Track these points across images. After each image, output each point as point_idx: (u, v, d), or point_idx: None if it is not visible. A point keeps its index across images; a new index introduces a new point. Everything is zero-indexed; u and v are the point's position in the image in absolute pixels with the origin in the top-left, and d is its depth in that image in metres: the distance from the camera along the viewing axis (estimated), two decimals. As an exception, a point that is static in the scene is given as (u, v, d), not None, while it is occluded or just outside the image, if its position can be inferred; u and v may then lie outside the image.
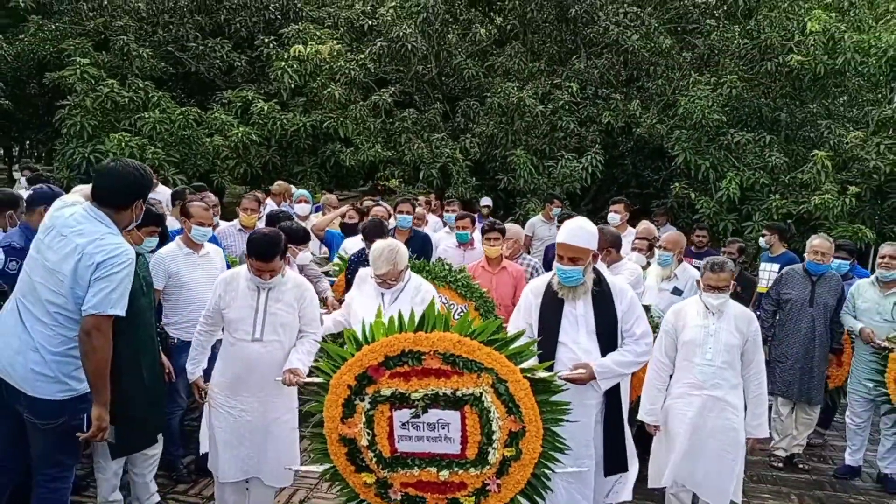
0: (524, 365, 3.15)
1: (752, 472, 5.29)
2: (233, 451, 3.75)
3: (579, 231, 3.58)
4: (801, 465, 5.55)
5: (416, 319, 3.17)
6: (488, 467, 3.13)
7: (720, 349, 3.96)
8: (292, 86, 10.88)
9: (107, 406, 3.07)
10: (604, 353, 3.50)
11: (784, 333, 5.47)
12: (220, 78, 12.39)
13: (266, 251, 3.56)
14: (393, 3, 11.13)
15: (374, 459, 3.19)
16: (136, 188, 3.21)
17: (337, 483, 3.36)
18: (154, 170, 9.03)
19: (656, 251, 5.42)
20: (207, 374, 3.90)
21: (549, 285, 3.67)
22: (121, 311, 3.05)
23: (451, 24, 11.69)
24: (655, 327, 4.63)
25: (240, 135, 10.30)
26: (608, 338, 3.54)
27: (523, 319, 3.71)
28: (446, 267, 5.09)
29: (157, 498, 4.08)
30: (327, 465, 3.33)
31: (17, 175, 6.72)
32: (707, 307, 4.05)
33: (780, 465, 5.51)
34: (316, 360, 3.66)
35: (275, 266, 3.61)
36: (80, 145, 9.66)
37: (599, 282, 3.60)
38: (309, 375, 3.56)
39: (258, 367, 3.68)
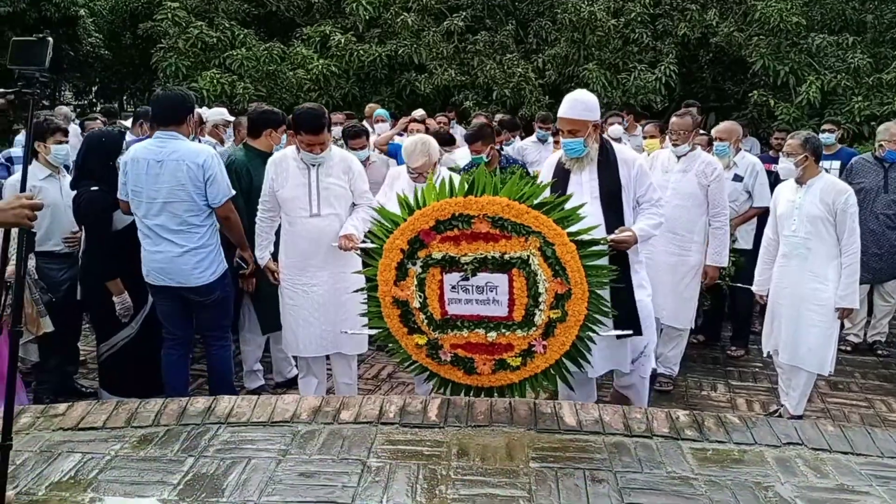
0: (571, 228, 3.20)
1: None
2: (309, 327, 4.01)
3: (575, 104, 3.59)
4: (879, 352, 5.66)
5: (467, 184, 3.24)
6: (534, 329, 3.23)
7: (803, 220, 4.08)
8: (367, 17, 11.21)
9: (252, 254, 4.18)
10: (607, 218, 3.52)
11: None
12: (300, 15, 12.80)
13: (315, 124, 3.77)
14: (462, -72, 11.18)
15: (426, 321, 3.33)
16: (186, 105, 3.97)
17: (391, 345, 3.53)
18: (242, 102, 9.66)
19: (714, 143, 5.49)
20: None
21: (559, 160, 3.75)
22: (231, 191, 3.96)
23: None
24: None
25: (320, 67, 10.77)
26: (610, 202, 3.57)
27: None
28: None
29: (295, 371, 4.62)
30: (382, 328, 3.48)
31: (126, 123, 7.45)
32: (795, 181, 4.18)
33: (849, 348, 5.66)
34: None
35: (324, 138, 3.82)
36: (176, 85, 10.33)
37: (606, 152, 3.63)
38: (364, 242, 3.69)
39: (321, 240, 3.90)
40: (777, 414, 4.27)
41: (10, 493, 2.41)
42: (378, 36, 11.48)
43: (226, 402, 3.24)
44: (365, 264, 3.59)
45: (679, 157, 4.75)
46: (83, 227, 4.27)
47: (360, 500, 2.51)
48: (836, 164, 6.03)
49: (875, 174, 5.47)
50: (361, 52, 11.04)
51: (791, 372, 4.21)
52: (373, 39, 11.41)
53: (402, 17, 10.89)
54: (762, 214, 5.23)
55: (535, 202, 3.16)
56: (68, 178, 4.39)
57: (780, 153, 4.44)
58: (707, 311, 5.68)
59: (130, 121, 6.49)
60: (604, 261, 3.33)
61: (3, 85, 2.48)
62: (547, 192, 3.32)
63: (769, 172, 5.63)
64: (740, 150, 5.55)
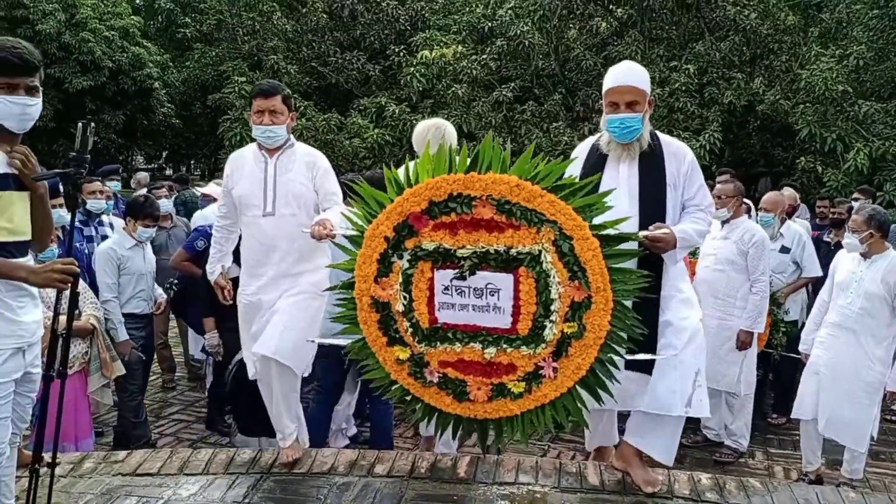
0: (596, 220, 2.57)
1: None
2: (257, 336, 3.37)
3: (633, 71, 3.03)
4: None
5: (469, 157, 2.62)
6: (543, 346, 2.62)
7: (860, 294, 4.10)
8: (420, 89, 11.76)
9: None
10: (643, 223, 2.87)
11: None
12: (357, 87, 13.51)
13: (266, 86, 3.41)
14: (511, 4, 11.72)
15: (410, 330, 2.75)
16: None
17: (365, 359, 2.93)
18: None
19: (759, 213, 5.62)
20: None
21: (594, 146, 3.10)
22: None
23: (568, 19, 12.13)
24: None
25: (375, 136, 11.31)
26: (652, 204, 2.93)
27: None
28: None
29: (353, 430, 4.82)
30: (355, 337, 2.87)
31: (198, 189, 8.15)
32: (861, 254, 4.20)
33: (895, 418, 5.60)
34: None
35: (276, 105, 3.33)
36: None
37: (652, 140, 3.01)
38: None
39: (275, 244, 3.37)
40: (806, 478, 4.28)
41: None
42: (431, 106, 12.01)
43: (269, 454, 3.48)
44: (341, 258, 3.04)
45: (722, 224, 4.86)
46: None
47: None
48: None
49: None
50: (414, 121, 11.54)
51: (816, 439, 4.24)
52: (425, 110, 11.93)
53: (454, 88, 11.40)
54: (813, 284, 5.28)
55: (553, 184, 2.56)
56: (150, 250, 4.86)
57: (846, 227, 4.44)
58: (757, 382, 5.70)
59: (207, 187, 7.02)
60: (633, 264, 2.71)
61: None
62: (573, 173, 2.76)
63: (816, 240, 5.67)
64: (785, 220, 5.64)
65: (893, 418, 5.60)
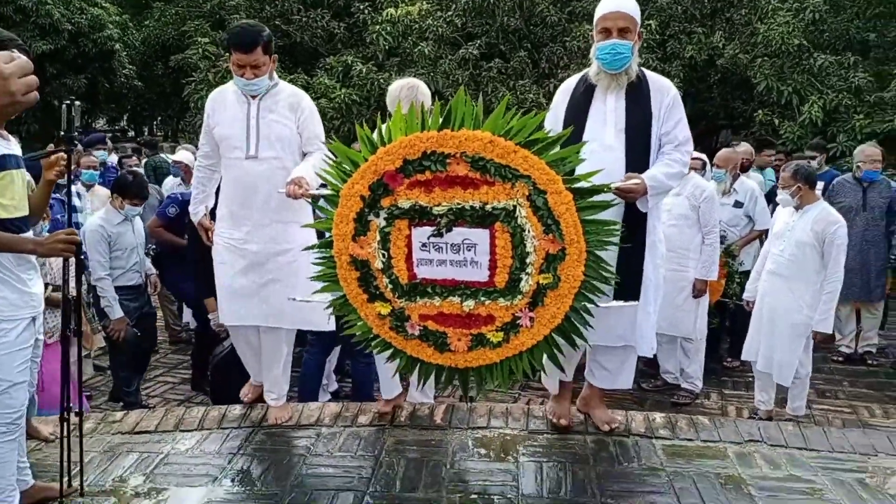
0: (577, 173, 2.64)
1: (812, 364, 5.82)
2: (238, 290, 3.40)
3: None
4: (869, 361, 6.00)
5: (442, 115, 2.62)
6: (520, 297, 2.70)
7: (792, 243, 4.46)
8: (387, 47, 11.78)
9: None
10: (629, 155, 3.02)
11: (840, 240, 5.90)
12: (322, 46, 13.44)
13: (246, 39, 3.19)
14: (476, -40, 11.73)
15: (390, 287, 2.80)
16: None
17: (347, 316, 2.98)
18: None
19: (712, 169, 5.90)
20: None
21: (582, 78, 3.18)
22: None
23: (533, -27, 12.17)
24: (722, 240, 5.26)
25: (342, 96, 11.34)
26: (637, 136, 3.03)
27: (548, 121, 3.20)
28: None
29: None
30: (336, 294, 2.94)
31: (168, 156, 8.26)
32: (794, 207, 4.54)
33: (840, 359, 6.03)
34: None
35: (258, 59, 3.20)
36: (206, 115, 10.97)
37: (638, 74, 3.09)
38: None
39: (258, 187, 3.30)
40: (756, 416, 4.65)
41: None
42: (397, 65, 12.04)
43: (258, 409, 3.72)
44: (317, 216, 3.09)
45: None
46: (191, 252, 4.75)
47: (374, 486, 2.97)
48: (821, 184, 6.39)
49: (854, 194, 5.86)
50: (382, 80, 11.59)
51: (765, 378, 4.60)
52: (392, 68, 11.96)
53: (420, 46, 11.44)
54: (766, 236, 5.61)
55: (525, 138, 2.59)
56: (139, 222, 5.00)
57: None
58: (713, 329, 6.05)
59: (178, 153, 7.10)
60: (611, 214, 2.80)
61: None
62: (558, 110, 2.96)
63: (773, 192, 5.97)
64: (738, 176, 5.93)
65: (838, 358, 6.02)
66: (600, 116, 3.06)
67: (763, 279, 4.67)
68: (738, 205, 5.79)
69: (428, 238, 2.72)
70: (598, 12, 3.08)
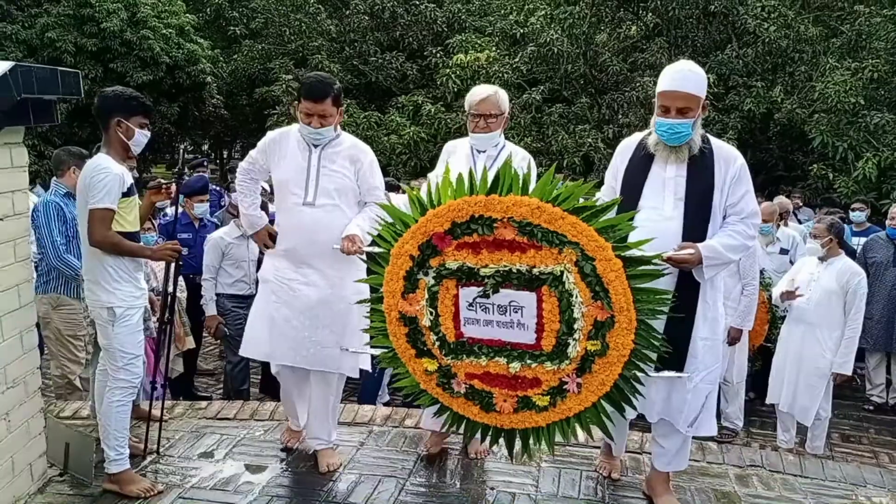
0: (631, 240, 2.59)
1: (842, 411, 6.08)
2: (289, 331, 3.40)
3: (689, 74, 2.90)
4: (898, 411, 6.24)
5: (490, 179, 2.65)
6: (567, 362, 2.67)
7: (818, 292, 4.86)
8: (455, 90, 12.49)
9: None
10: (687, 224, 2.90)
11: (871, 293, 6.14)
12: (396, 86, 14.32)
13: (317, 89, 3.28)
14: (542, 13, 12.39)
15: (437, 343, 2.84)
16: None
17: (396, 370, 3.06)
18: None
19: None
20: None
21: (641, 144, 3.05)
22: None
23: (597, 26, 12.74)
24: (767, 287, 5.59)
25: (411, 134, 12.12)
26: (696, 206, 2.90)
27: (608, 185, 3.20)
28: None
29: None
30: (386, 348, 3.02)
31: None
32: (818, 258, 4.94)
33: (871, 407, 6.26)
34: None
35: (326, 110, 3.28)
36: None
37: (702, 143, 2.95)
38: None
39: (316, 234, 3.33)
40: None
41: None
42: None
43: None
44: (370, 271, 3.14)
45: None
46: None
47: (414, 476, 3.49)
48: (864, 240, 6.68)
49: (885, 250, 6.15)
50: (449, 120, 12.31)
51: (787, 419, 4.94)
52: (460, 109, 12.67)
53: (486, 90, 12.12)
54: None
55: (574, 206, 2.60)
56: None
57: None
58: (757, 372, 6.32)
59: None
60: (665, 284, 2.74)
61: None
62: (617, 168, 2.96)
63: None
64: (779, 226, 6.33)
65: (869, 407, 6.25)
66: (659, 184, 2.95)
67: (786, 326, 5.04)
68: (783, 252, 6.18)
69: (475, 298, 2.75)
70: (660, 86, 2.95)
